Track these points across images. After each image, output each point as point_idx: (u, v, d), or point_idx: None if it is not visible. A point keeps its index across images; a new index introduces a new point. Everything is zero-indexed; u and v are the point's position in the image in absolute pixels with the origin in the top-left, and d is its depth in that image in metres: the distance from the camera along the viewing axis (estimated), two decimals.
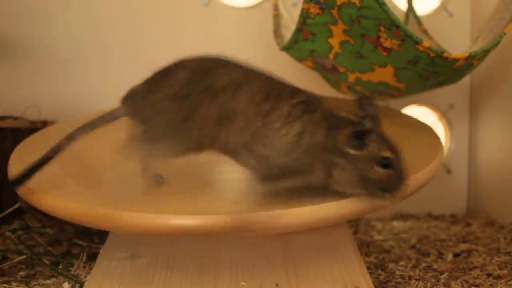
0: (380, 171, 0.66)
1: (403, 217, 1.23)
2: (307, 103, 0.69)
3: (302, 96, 0.70)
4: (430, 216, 1.24)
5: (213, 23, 1.21)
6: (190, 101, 0.70)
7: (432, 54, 0.82)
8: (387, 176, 0.66)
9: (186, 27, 1.21)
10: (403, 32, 0.80)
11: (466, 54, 0.84)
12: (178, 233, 0.65)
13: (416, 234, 1.08)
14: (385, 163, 0.66)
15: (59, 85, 1.20)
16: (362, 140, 0.66)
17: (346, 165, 0.67)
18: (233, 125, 0.69)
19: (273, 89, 0.70)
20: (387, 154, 0.66)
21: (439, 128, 1.25)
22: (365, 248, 1.00)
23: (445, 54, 0.82)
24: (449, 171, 1.25)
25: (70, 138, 0.74)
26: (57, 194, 0.71)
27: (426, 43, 0.81)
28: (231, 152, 0.71)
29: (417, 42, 0.81)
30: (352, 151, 0.66)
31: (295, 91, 0.71)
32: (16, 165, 0.80)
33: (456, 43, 1.09)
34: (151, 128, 0.72)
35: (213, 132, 0.70)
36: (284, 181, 0.69)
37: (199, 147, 0.72)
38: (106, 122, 0.75)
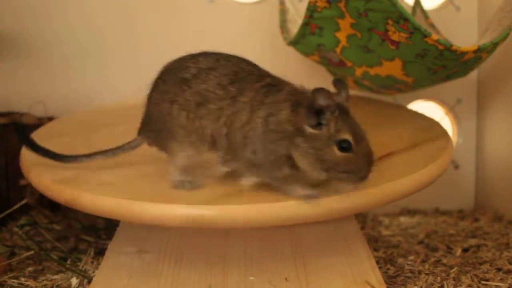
0: (338, 153, 0.63)
1: (410, 212, 1.22)
2: (271, 84, 0.68)
3: (267, 79, 0.69)
4: (438, 212, 1.24)
5: (219, 19, 1.21)
6: (168, 94, 0.72)
7: (440, 47, 0.82)
8: (345, 160, 0.63)
9: (191, 23, 1.21)
10: (412, 25, 0.79)
11: (475, 47, 0.84)
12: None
13: (423, 230, 1.08)
14: (345, 146, 0.62)
15: (64, 81, 1.20)
16: (319, 118, 0.63)
17: (302, 144, 0.64)
18: (208, 110, 0.69)
19: (238, 73, 0.70)
20: (346, 136, 0.63)
21: (446, 123, 1.24)
22: (373, 243, 1.00)
23: (454, 47, 0.82)
24: (456, 166, 1.24)
25: (89, 156, 0.77)
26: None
27: (435, 36, 0.81)
28: (218, 145, 0.70)
29: (425, 35, 0.80)
30: (309, 130, 0.64)
31: (260, 75, 0.70)
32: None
33: (463, 38, 1.08)
34: (157, 136, 0.74)
35: (195, 119, 0.70)
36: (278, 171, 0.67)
37: (191, 138, 0.71)
38: (125, 151, 0.77)
